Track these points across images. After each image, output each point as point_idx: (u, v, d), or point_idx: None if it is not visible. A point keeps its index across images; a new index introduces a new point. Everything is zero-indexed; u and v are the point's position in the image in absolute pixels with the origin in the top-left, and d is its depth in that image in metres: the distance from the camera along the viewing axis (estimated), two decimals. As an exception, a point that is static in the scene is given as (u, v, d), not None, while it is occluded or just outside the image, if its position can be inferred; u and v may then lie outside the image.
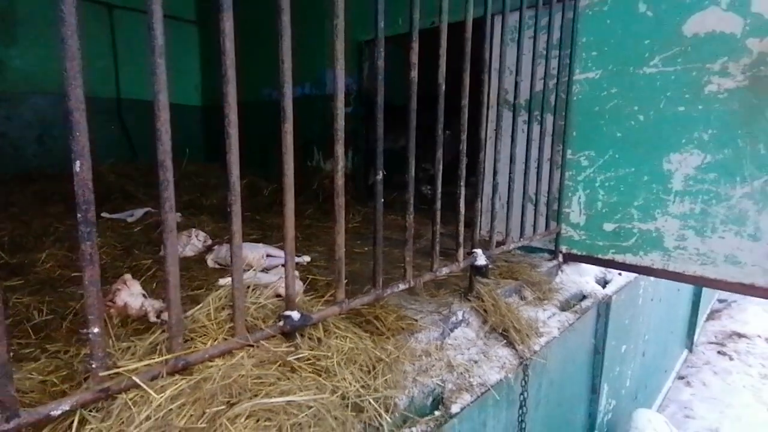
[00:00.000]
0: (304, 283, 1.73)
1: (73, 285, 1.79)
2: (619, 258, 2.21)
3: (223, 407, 0.86)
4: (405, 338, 1.44)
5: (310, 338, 1.19)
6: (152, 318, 1.47)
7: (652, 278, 3.14)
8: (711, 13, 1.84)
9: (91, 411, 0.82)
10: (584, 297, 2.31)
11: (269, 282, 1.53)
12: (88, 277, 0.78)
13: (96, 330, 0.79)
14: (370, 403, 1.15)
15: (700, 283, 2.03)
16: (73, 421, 0.79)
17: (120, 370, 0.85)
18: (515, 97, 1.89)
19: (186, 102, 5.13)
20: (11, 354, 1.07)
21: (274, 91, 4.13)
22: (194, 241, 2.42)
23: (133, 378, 0.84)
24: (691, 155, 1.96)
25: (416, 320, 1.54)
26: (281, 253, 2.18)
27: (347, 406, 1.10)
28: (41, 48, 4.12)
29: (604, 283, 2.56)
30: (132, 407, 0.82)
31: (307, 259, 2.31)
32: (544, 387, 1.97)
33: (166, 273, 0.89)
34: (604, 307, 2.45)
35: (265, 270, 2.05)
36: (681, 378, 4.44)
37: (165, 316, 1.51)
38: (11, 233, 2.47)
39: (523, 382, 1.67)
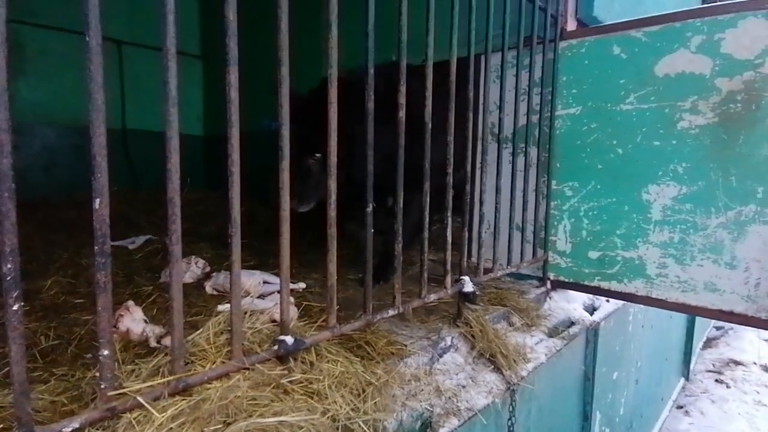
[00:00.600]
0: (298, 309, 1.81)
1: (76, 311, 1.85)
2: (604, 285, 2.29)
3: (219, 426, 0.92)
4: (395, 363, 1.51)
5: (303, 362, 1.26)
6: (153, 343, 1.53)
7: (642, 305, 3.21)
8: (680, 55, 1.98)
9: (98, 429, 0.89)
10: (572, 323, 2.37)
11: (265, 308, 1.61)
12: (101, 304, 0.86)
13: (106, 352, 0.87)
14: (359, 425, 1.21)
15: (682, 310, 2.11)
16: (81, 439, 0.86)
17: (125, 390, 0.92)
18: (500, 131, 2.01)
19: (189, 132, 5.28)
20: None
21: (273, 123, 4.28)
22: (193, 268, 2.50)
23: (138, 398, 0.91)
24: (667, 186, 2.06)
25: (406, 345, 1.61)
26: (277, 280, 2.26)
27: (338, 428, 1.16)
28: (49, 81, 4.28)
29: (592, 309, 2.63)
30: (135, 426, 0.89)
31: (302, 285, 2.38)
32: (534, 413, 2.02)
33: (171, 299, 0.97)
34: (592, 333, 2.51)
35: (262, 296, 2.11)
36: (680, 407, 4.44)
37: (165, 341, 1.58)
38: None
39: (511, 408, 1.73)
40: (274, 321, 1.43)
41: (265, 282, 2.32)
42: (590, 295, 2.64)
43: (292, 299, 1.93)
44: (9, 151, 0.74)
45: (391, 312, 1.50)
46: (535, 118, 2.31)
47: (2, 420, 0.86)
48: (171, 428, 0.89)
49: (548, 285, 2.42)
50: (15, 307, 0.76)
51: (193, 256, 2.58)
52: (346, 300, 2.09)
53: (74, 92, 4.22)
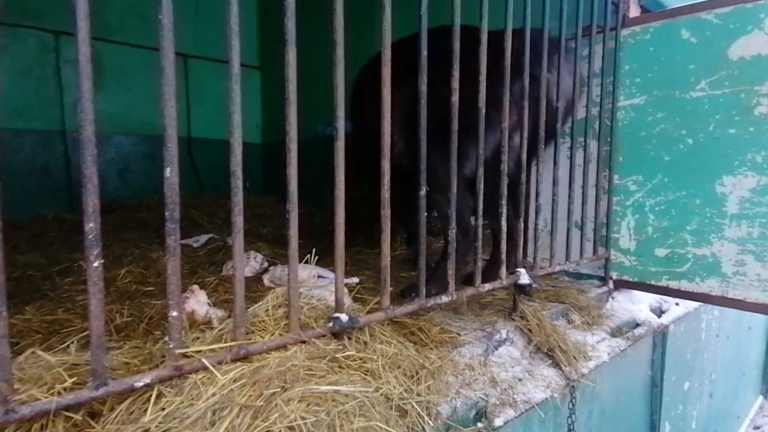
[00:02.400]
0: (353, 302, 1.83)
1: (147, 297, 1.97)
2: (673, 285, 2.14)
3: (278, 390, 0.95)
4: (448, 350, 1.48)
5: (356, 341, 1.26)
6: (216, 324, 1.60)
7: (716, 312, 2.97)
8: (755, 37, 1.84)
9: (166, 387, 0.93)
10: (638, 325, 2.23)
11: (320, 295, 1.64)
12: (170, 267, 0.91)
13: (174, 314, 0.92)
14: (413, 406, 1.20)
15: (763, 310, 1.92)
16: (151, 395, 0.91)
17: (191, 350, 0.96)
18: (558, 124, 1.95)
19: (248, 140, 5.52)
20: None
21: (327, 127, 4.39)
22: (252, 263, 2.60)
23: (203, 360, 0.95)
24: (745, 177, 1.91)
25: (460, 335, 1.58)
26: (331, 275, 2.30)
27: (391, 407, 1.16)
28: (124, 94, 4.65)
29: (659, 312, 2.46)
30: (200, 386, 0.93)
31: (355, 280, 2.40)
32: (596, 415, 1.90)
33: (234, 269, 1.01)
34: (660, 337, 2.35)
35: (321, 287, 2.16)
36: (757, 428, 4.05)
37: (227, 322, 1.65)
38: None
39: (571, 405, 1.64)
40: (330, 306, 1.45)
41: (319, 276, 2.37)
42: (658, 298, 2.48)
43: (345, 290, 1.96)
44: (92, 118, 0.81)
45: (444, 298, 1.48)
46: (595, 110, 2.22)
47: (76, 375, 0.93)
48: (232, 389, 0.92)
49: (610, 284, 2.29)
50: (95, 264, 0.82)
51: (252, 252, 2.68)
52: (398, 295, 2.09)
53: (147, 104, 4.55)
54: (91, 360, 0.84)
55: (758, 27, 1.84)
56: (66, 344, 1.13)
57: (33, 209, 3.94)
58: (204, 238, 3.40)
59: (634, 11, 2.24)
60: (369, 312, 1.33)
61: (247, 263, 2.64)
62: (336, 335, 1.21)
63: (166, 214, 0.91)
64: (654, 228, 2.19)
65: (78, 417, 0.85)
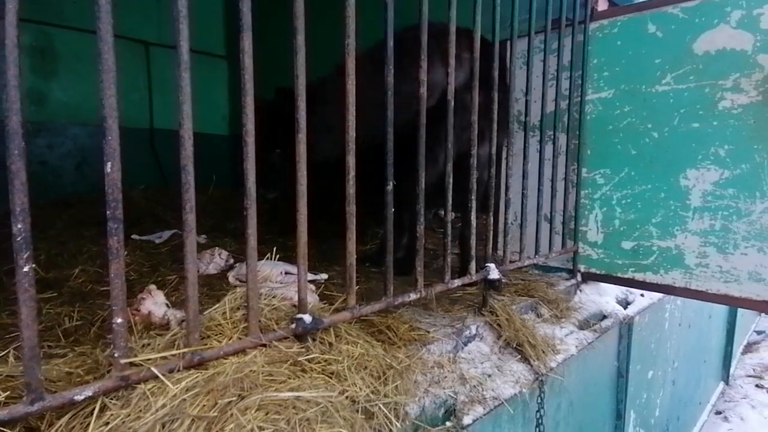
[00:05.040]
0: (320, 299, 1.77)
1: (101, 298, 1.87)
2: (639, 277, 2.18)
3: (234, 398, 0.89)
4: (417, 349, 1.45)
5: (321, 342, 1.22)
6: (174, 326, 1.52)
7: (678, 302, 3.05)
8: (721, 31, 1.87)
9: (111, 399, 0.87)
10: (604, 317, 2.27)
11: (285, 294, 1.58)
12: (113, 270, 0.84)
13: (119, 320, 0.85)
14: (380, 408, 1.16)
15: (723, 301, 1.98)
16: (94, 408, 0.84)
17: (139, 359, 0.90)
18: (526, 117, 1.94)
19: (214, 131, 5.36)
20: (41, 351, 1.13)
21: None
22: (217, 260, 2.51)
23: (152, 369, 0.89)
24: (708, 171, 1.95)
25: (429, 332, 1.55)
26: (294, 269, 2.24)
27: (357, 410, 1.12)
28: (81, 82, 4.41)
29: (625, 303, 2.50)
30: (150, 396, 0.87)
31: (324, 276, 2.35)
32: (564, 407, 1.92)
33: (186, 271, 0.95)
34: (626, 328, 2.39)
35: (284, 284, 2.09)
36: (719, 413, 4.22)
37: (181, 327, 1.57)
38: (48, 252, 2.61)
39: (539, 399, 1.65)
40: (294, 306, 1.40)
41: (287, 273, 2.30)
42: (624, 289, 2.53)
43: (312, 287, 1.91)
44: (18, 108, 0.73)
45: (413, 296, 1.45)
46: (564, 104, 2.22)
47: (12, 388, 0.85)
48: (185, 399, 0.86)
49: (578, 277, 2.32)
50: (26, 269, 0.75)
51: (217, 248, 2.59)
52: (366, 291, 2.05)
53: (105, 93, 4.32)
54: (24, 373, 0.76)
55: (724, 21, 1.86)
56: (3, 353, 1.05)
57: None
58: (167, 234, 3.27)
59: (602, 5, 2.24)
60: (334, 312, 1.29)
61: (211, 260, 2.55)
62: (299, 337, 1.16)
63: (108, 213, 0.84)
64: (621, 221, 2.22)
65: (11, 435, 0.77)
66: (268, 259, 2.06)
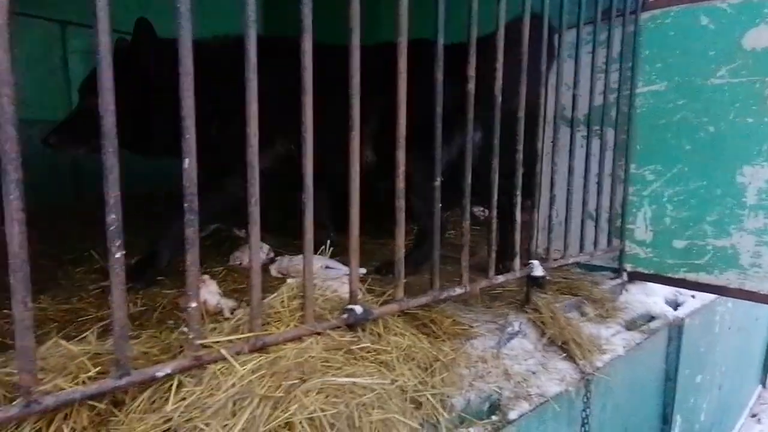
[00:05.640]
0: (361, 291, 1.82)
1: (158, 286, 1.98)
2: (691, 277, 2.11)
3: (296, 381, 0.95)
4: (461, 343, 1.48)
5: (370, 333, 1.26)
6: (227, 314, 1.61)
7: (730, 304, 2.93)
8: (763, 30, 1.80)
9: (186, 376, 0.94)
10: (652, 318, 2.21)
11: (331, 286, 1.64)
12: (190, 259, 0.91)
13: (194, 305, 0.92)
14: (428, 398, 1.20)
15: (779, 303, 1.90)
16: (172, 384, 0.92)
17: (210, 341, 0.97)
18: (573, 111, 1.92)
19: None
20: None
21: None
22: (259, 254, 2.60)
23: (221, 351, 0.96)
24: (762, 168, 1.87)
25: (472, 326, 1.57)
26: (339, 266, 2.30)
27: (405, 399, 1.16)
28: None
29: (675, 305, 2.43)
30: (219, 376, 0.94)
31: (363, 271, 2.39)
32: (609, 409, 1.90)
33: (251, 260, 1.02)
34: (675, 330, 2.32)
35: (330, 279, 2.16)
36: (754, 416, 4.05)
37: (238, 313, 1.66)
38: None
39: (585, 398, 1.64)
40: (340, 298, 1.45)
41: (327, 267, 2.37)
42: (673, 290, 2.45)
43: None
44: (113, 110, 0.81)
45: (458, 290, 1.47)
46: (612, 97, 2.18)
47: (100, 364, 0.94)
48: (251, 380, 0.93)
49: (624, 276, 2.27)
50: (118, 255, 0.83)
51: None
52: (408, 285, 2.07)
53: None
54: (114, 350, 0.85)
55: (765, 21, 1.80)
56: (84, 334, 1.14)
57: (40, 199, 3.93)
58: (210, 228, 3.41)
59: (653, -5, 2.18)
60: (383, 304, 1.33)
61: (254, 253, 2.64)
62: (350, 327, 1.21)
63: (185, 205, 0.91)
64: (672, 219, 2.16)
65: (102, 406, 0.86)
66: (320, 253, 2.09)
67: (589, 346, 1.70)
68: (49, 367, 0.89)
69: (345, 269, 2.23)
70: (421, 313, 1.52)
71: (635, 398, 2.14)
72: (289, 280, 1.91)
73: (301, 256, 2.29)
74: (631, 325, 2.07)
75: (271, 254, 2.70)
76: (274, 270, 2.41)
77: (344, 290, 1.39)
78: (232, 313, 1.65)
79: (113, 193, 0.81)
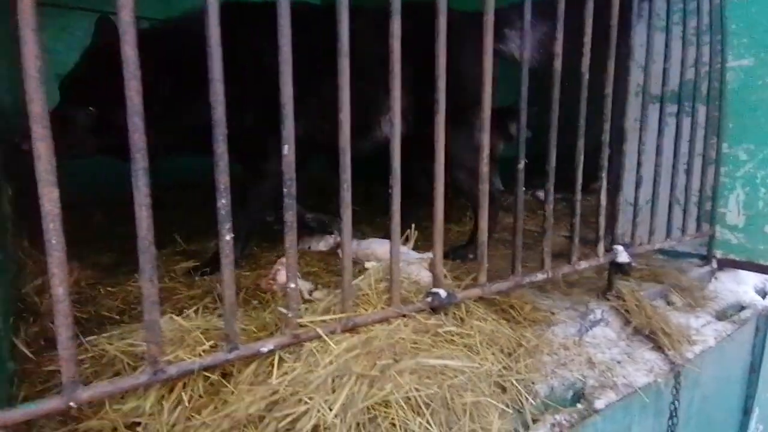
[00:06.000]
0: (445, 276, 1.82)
1: (239, 268, 2.09)
2: (788, 265, 1.95)
3: (390, 362, 0.97)
4: (542, 329, 1.45)
5: (453, 317, 1.27)
6: (306, 296, 1.67)
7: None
8: None
9: (285, 353, 0.99)
10: (743, 308, 2.06)
11: (410, 270, 1.66)
12: (288, 242, 0.95)
13: (293, 285, 0.96)
14: (512, 383, 1.19)
15: None
16: (273, 360, 0.97)
17: (306, 320, 1.01)
18: (663, 87, 1.79)
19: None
20: (214, 310, 1.31)
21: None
22: (327, 238, 2.66)
23: (317, 329, 1.00)
24: None
25: (553, 313, 1.54)
26: (407, 249, 2.31)
27: (490, 383, 1.16)
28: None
29: (763, 293, 2.25)
30: (316, 354, 0.98)
31: (430, 255, 2.40)
32: (696, 401, 1.80)
33: (342, 245, 1.04)
34: (763, 320, 2.16)
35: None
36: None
37: (315, 294, 1.72)
38: (188, 225, 2.94)
39: (674, 390, 1.56)
40: (416, 282, 1.46)
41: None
42: (763, 278, 2.27)
43: (425, 264, 1.97)
44: (222, 100, 0.84)
45: (540, 276, 1.44)
46: (703, 71, 2.01)
47: (210, 339, 1.00)
48: (347, 359, 0.96)
49: (714, 264, 2.12)
50: (227, 238, 0.87)
51: (327, 226, 2.75)
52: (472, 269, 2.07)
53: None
54: (224, 326, 0.90)
55: None
56: (183, 310, 1.23)
57: (122, 187, 4.18)
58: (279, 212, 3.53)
59: (745, -39, 1.98)
60: (465, 288, 1.33)
61: (321, 238, 2.71)
62: (434, 310, 1.22)
63: (284, 190, 0.94)
64: (766, 202, 1.99)
65: (214, 377, 0.92)
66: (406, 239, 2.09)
67: (678, 337, 1.61)
68: (167, 341, 0.96)
69: (412, 253, 2.25)
70: (500, 299, 1.50)
71: (721, 390, 2.02)
72: (369, 265, 1.96)
73: (369, 240, 2.33)
74: (721, 315, 1.94)
75: (338, 239, 2.76)
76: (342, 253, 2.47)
77: (424, 274, 1.40)
78: (310, 294, 1.71)
79: (223, 179, 0.85)
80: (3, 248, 1.36)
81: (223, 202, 0.85)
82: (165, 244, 2.52)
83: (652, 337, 1.57)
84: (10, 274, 1.42)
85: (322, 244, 2.70)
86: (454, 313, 1.28)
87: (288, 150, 0.92)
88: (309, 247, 2.57)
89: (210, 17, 0.81)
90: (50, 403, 0.75)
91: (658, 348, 1.56)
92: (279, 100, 0.91)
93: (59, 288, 0.73)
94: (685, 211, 1.99)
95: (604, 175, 1.53)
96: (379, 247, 2.30)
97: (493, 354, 1.22)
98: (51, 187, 0.70)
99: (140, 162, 0.77)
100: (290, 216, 0.94)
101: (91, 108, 1.66)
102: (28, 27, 0.66)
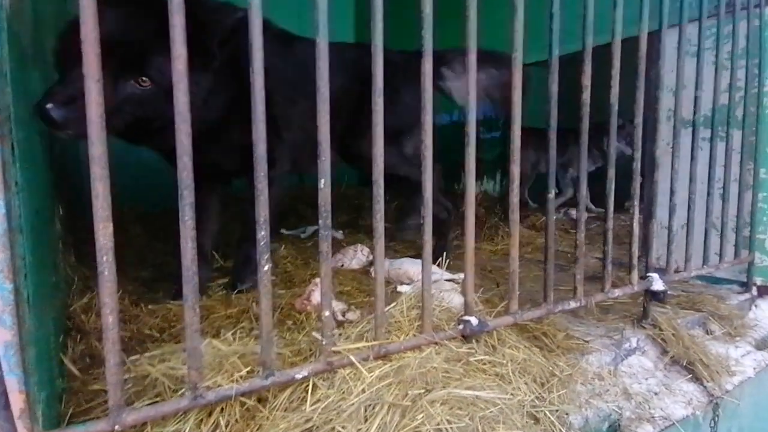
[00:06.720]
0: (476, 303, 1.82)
1: (275, 286, 2.13)
2: (834, 294, 1.86)
3: (421, 391, 0.98)
4: (576, 358, 1.43)
5: (485, 345, 1.27)
6: (339, 317, 1.70)
7: None
8: None
9: (319, 379, 1.01)
10: (785, 337, 1.98)
11: (437, 290, 1.66)
12: (324, 270, 0.98)
13: (327, 314, 0.99)
14: (545, 414, 1.17)
15: None
16: (308, 386, 0.99)
17: (341, 348, 1.03)
18: (694, 113, 1.77)
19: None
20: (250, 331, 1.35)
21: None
22: (359, 256, 2.69)
23: (350, 357, 1.02)
24: None
25: (587, 341, 1.51)
26: (439, 271, 2.31)
27: (523, 414, 1.15)
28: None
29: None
30: (349, 381, 1.00)
31: (462, 276, 2.40)
32: (736, 434, 1.73)
33: (376, 273, 1.07)
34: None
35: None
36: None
37: (348, 315, 1.74)
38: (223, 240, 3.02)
39: (713, 423, 1.50)
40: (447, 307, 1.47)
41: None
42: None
43: (457, 286, 1.97)
44: (264, 138, 0.89)
45: (572, 304, 1.42)
46: (738, 96, 1.98)
47: (247, 364, 1.03)
48: (379, 387, 0.97)
49: (754, 291, 2.05)
50: (266, 268, 0.91)
51: (359, 245, 2.78)
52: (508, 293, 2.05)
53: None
54: (261, 353, 0.93)
55: None
56: (220, 331, 1.27)
57: (161, 203, 4.34)
58: (311, 229, 3.58)
59: (784, -16, 1.95)
60: (496, 315, 1.33)
61: (354, 256, 2.74)
62: (466, 338, 1.22)
63: (320, 222, 0.98)
64: (810, 229, 1.92)
65: (250, 402, 0.95)
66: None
67: (717, 367, 1.56)
68: (206, 365, 1.00)
69: (446, 274, 2.25)
70: (532, 325, 1.49)
71: (759, 420, 1.92)
72: (401, 289, 1.97)
73: (401, 260, 2.34)
74: (761, 345, 1.87)
75: (371, 257, 2.78)
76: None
77: (456, 300, 1.40)
78: (343, 315, 1.73)
79: (263, 212, 0.89)
80: (56, 268, 1.44)
81: (263, 234, 0.89)
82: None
83: (690, 367, 1.52)
84: (62, 293, 1.50)
85: (355, 262, 2.72)
86: (486, 341, 1.28)
87: (324, 183, 0.95)
88: (342, 265, 2.60)
89: (254, 46, 0.86)
90: (97, 426, 0.79)
91: (696, 379, 1.51)
92: (317, 138, 0.95)
93: (109, 317, 0.78)
94: (722, 237, 1.94)
95: (635, 203, 1.51)
96: (410, 267, 2.32)
97: (525, 384, 1.21)
98: (106, 222, 0.76)
99: (187, 198, 0.81)
100: (325, 246, 0.97)
101: (144, 79, 1.36)
102: (92, 78, 0.72)
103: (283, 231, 3.56)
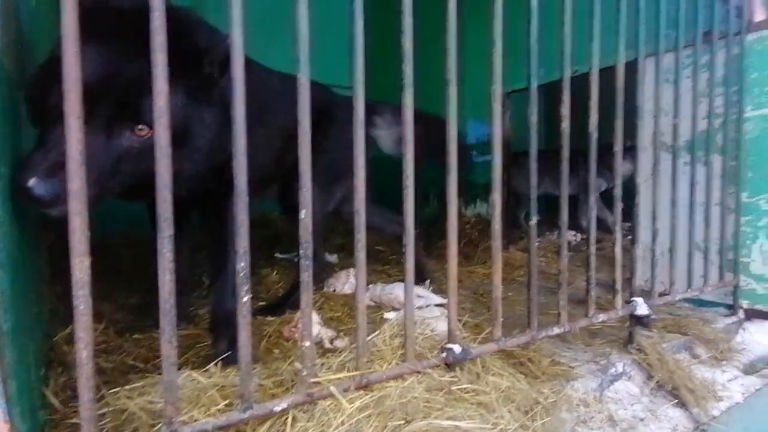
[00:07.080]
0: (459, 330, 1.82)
1: (262, 314, 2.12)
2: (820, 316, 1.88)
3: (401, 422, 0.98)
4: (561, 384, 1.43)
5: (468, 372, 1.26)
6: (327, 344, 1.69)
7: None
8: None
9: (298, 411, 1.01)
10: (774, 361, 1.98)
11: (421, 318, 1.66)
12: (305, 301, 0.99)
13: (307, 344, 0.99)
14: (529, 444, 1.17)
15: None
16: (287, 418, 0.98)
17: (321, 379, 1.03)
18: (674, 139, 1.81)
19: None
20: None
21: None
22: (352, 280, 2.69)
23: (331, 388, 1.01)
24: None
25: (572, 367, 1.51)
26: (428, 294, 2.32)
27: (506, 444, 1.14)
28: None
29: (799, 346, 2.15)
30: (329, 413, 0.99)
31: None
32: (726, 461, 1.71)
33: (357, 301, 1.07)
34: (800, 375, 2.05)
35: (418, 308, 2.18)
36: None
37: (336, 342, 1.73)
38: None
39: (700, 450, 1.49)
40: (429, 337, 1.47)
41: (417, 296, 2.40)
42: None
43: (445, 310, 1.97)
44: (245, 170, 0.91)
45: (556, 330, 1.43)
46: (717, 123, 2.03)
47: (226, 396, 1.03)
48: (359, 419, 0.97)
49: (740, 314, 2.06)
50: (245, 299, 0.92)
51: (352, 269, 2.78)
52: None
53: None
54: (240, 385, 0.93)
55: None
56: (205, 363, 1.26)
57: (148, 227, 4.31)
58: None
59: (759, 15, 2.03)
60: (480, 342, 1.33)
61: (347, 280, 2.73)
62: (449, 366, 1.22)
63: (300, 252, 0.99)
64: (793, 252, 1.94)
65: (228, 437, 0.94)
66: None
67: (703, 393, 1.55)
68: (184, 398, 0.99)
69: (432, 297, 2.25)
70: (518, 351, 1.50)
71: (753, 450, 1.91)
72: (388, 315, 1.97)
73: (392, 285, 2.34)
74: (749, 369, 1.87)
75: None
76: (367, 298, 2.47)
77: (441, 327, 1.41)
78: (331, 343, 1.73)
79: (243, 243, 0.90)
80: (40, 298, 1.43)
81: (242, 265, 0.90)
82: (192, 287, 2.58)
83: (675, 392, 1.52)
84: (44, 324, 1.49)
85: (348, 287, 2.72)
86: (470, 368, 1.28)
87: (305, 214, 0.97)
88: (334, 290, 2.59)
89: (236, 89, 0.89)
90: (73, 462, 0.78)
91: (682, 405, 1.51)
92: (299, 168, 0.97)
93: (83, 352, 0.78)
94: (706, 260, 1.96)
95: (617, 229, 1.54)
96: (401, 292, 2.31)
97: (509, 412, 1.21)
98: (83, 257, 0.76)
99: (166, 231, 0.83)
100: (306, 276, 0.98)
101: (141, 127, 1.12)
102: (74, 115, 0.74)
103: (277, 255, 3.55)
